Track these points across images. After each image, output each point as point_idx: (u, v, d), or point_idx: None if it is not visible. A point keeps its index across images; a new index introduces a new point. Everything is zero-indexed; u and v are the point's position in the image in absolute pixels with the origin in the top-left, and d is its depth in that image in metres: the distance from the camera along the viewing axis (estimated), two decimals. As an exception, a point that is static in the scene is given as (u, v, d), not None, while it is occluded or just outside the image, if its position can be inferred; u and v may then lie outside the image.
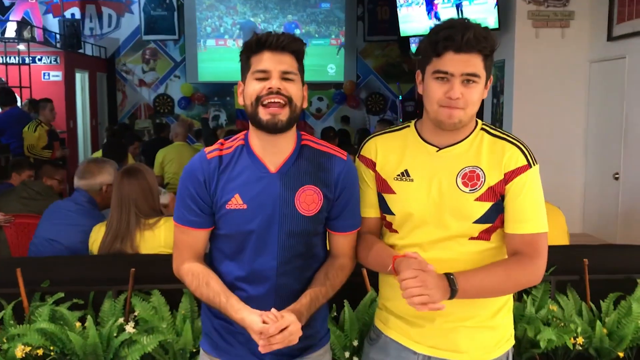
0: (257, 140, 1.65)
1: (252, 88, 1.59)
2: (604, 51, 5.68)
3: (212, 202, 1.65)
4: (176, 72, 12.17)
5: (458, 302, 1.53)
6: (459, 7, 6.67)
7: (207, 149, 1.69)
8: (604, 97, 5.76)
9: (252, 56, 1.61)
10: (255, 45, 1.60)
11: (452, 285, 1.47)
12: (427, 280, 1.43)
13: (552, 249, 2.49)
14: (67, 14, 11.48)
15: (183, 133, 6.48)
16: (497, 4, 6.20)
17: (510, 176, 1.59)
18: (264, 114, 1.57)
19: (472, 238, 1.62)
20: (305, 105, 1.68)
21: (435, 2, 6.78)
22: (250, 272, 1.66)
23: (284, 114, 1.58)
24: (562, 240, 2.98)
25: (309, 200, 1.64)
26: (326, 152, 1.70)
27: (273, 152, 1.65)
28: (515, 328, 2.20)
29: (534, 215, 1.60)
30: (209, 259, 1.75)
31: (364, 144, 1.77)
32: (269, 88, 1.57)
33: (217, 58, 11.93)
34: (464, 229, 1.61)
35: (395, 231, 1.71)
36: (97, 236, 2.67)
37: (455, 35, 1.51)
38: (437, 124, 1.61)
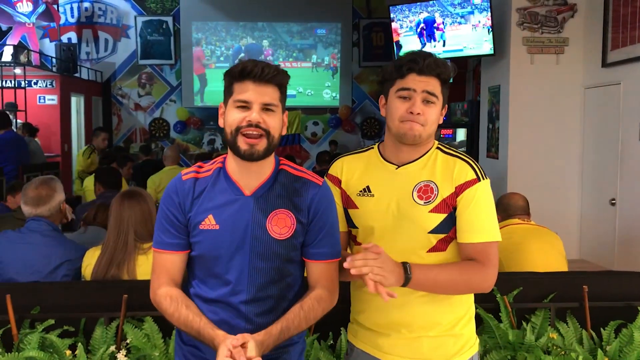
0: (234, 165, 1.67)
1: (233, 117, 1.61)
2: (599, 77, 5.73)
3: (188, 222, 1.66)
4: (172, 96, 12.20)
5: (420, 311, 1.74)
6: (431, 36, 6.81)
7: (184, 171, 1.72)
8: (599, 122, 5.78)
9: (235, 82, 1.62)
10: (239, 74, 1.61)
11: (406, 272, 1.59)
12: (385, 262, 1.53)
13: (551, 276, 2.47)
14: (64, 38, 11.54)
15: (173, 156, 6.39)
16: (492, 30, 6.26)
17: (460, 189, 1.72)
18: (242, 144, 1.59)
19: (430, 250, 1.74)
20: (284, 132, 1.69)
21: (438, 23, 6.83)
22: (222, 295, 1.63)
23: (261, 145, 1.60)
24: (561, 265, 2.96)
25: (281, 223, 1.64)
26: (302, 177, 1.71)
27: (249, 176, 1.66)
28: (514, 356, 2.18)
29: (484, 225, 1.72)
30: (184, 285, 1.72)
31: (332, 163, 1.91)
32: (249, 121, 1.58)
33: (213, 81, 11.98)
34: (421, 239, 1.73)
35: (360, 244, 1.81)
36: (90, 260, 2.62)
37: (417, 59, 1.71)
38: (399, 139, 1.75)
